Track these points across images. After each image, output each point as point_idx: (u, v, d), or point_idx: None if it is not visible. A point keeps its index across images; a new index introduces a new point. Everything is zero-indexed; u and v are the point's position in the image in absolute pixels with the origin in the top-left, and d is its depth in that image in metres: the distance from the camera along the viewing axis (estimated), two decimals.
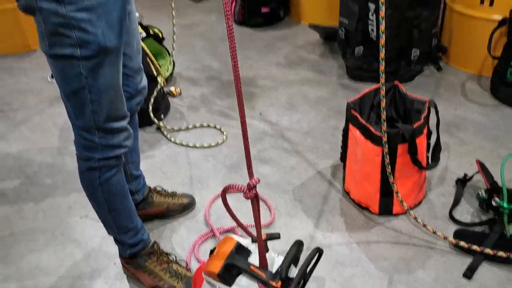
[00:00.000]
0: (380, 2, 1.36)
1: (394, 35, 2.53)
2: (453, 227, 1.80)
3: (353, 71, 2.79)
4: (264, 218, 1.89)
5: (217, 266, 1.19)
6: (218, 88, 2.87)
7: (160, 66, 2.75)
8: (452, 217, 1.83)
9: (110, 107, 1.29)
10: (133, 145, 1.62)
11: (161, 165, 2.28)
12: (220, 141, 2.38)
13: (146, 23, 2.86)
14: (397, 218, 1.87)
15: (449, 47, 2.81)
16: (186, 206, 1.94)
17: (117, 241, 1.60)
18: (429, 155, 1.89)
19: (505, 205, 1.68)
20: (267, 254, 1.23)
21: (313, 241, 1.80)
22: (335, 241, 1.79)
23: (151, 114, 2.45)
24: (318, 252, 1.23)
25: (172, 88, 2.80)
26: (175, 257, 1.68)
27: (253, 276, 1.19)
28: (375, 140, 1.69)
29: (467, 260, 1.67)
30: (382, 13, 1.37)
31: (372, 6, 2.51)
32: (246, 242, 1.29)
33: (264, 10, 3.49)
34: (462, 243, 1.65)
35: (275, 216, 1.92)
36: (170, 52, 2.86)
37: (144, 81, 1.55)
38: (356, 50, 2.68)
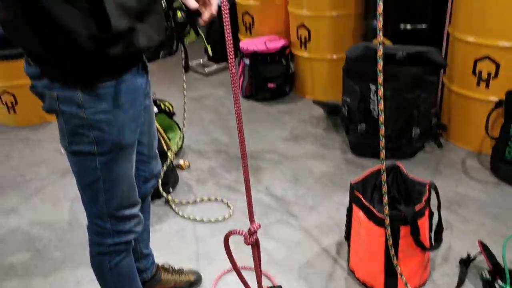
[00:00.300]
0: (378, 83, 1.47)
1: (394, 115, 2.64)
2: None
3: (356, 147, 2.89)
4: None
5: None
6: (226, 161, 2.96)
7: (170, 140, 2.87)
8: None
9: (122, 196, 1.37)
10: (145, 225, 1.69)
11: (168, 239, 2.32)
12: (227, 215, 2.43)
13: (157, 97, 3.00)
14: None
15: (449, 125, 2.91)
16: (193, 283, 1.97)
17: None
18: (432, 235, 1.92)
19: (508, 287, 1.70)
20: None
21: None
22: None
23: (161, 188, 2.52)
24: None
25: (181, 161, 2.89)
26: None
27: None
28: (378, 221, 1.74)
29: None
30: (380, 92, 1.48)
31: (373, 87, 2.64)
32: None
33: (271, 86, 3.65)
34: None
35: None
36: (180, 126, 2.98)
37: (159, 166, 1.64)
38: (358, 127, 2.79)
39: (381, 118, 1.50)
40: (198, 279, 1.99)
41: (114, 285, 1.49)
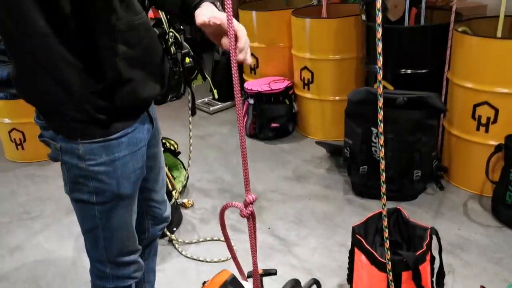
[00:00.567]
0: (378, 131, 1.52)
1: (396, 158, 2.69)
2: None
3: (359, 188, 2.92)
4: None
5: None
6: (229, 200, 2.97)
7: (174, 179, 2.91)
8: None
9: (121, 244, 1.42)
10: (151, 266, 1.73)
11: (171, 279, 2.33)
12: (230, 256, 2.44)
13: (162, 135, 3.06)
14: None
15: (450, 167, 2.95)
16: None
17: None
18: (434, 280, 1.94)
19: None
20: None
21: None
22: None
23: (165, 228, 2.54)
24: (315, 283, 1.15)
25: (185, 200, 2.93)
26: None
27: None
28: (380, 266, 1.76)
29: None
30: (381, 141, 1.53)
31: (374, 130, 2.70)
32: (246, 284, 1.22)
33: (274, 125, 3.72)
34: None
35: None
36: (185, 165, 3.03)
37: (168, 210, 1.68)
38: (360, 169, 2.83)
39: (382, 165, 1.55)
40: None
41: None
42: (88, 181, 1.28)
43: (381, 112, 1.48)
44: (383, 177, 1.55)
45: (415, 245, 1.91)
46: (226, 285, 1.16)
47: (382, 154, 1.55)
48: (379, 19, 1.41)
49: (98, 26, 1.15)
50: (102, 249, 1.40)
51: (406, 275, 1.75)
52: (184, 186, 3.06)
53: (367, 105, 2.64)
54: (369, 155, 2.79)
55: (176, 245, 2.54)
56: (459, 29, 2.77)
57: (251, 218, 1.13)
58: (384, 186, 1.58)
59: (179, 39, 2.06)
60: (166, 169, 2.76)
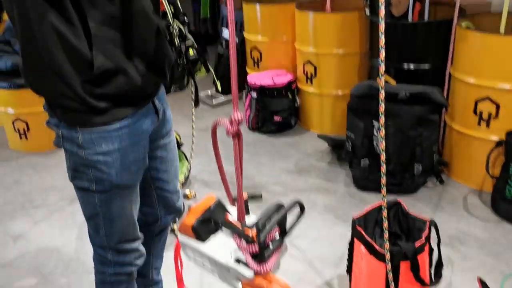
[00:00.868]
0: (380, 124, 1.54)
1: (397, 152, 2.71)
2: None
3: (360, 181, 2.94)
4: None
5: (192, 219, 1.12)
6: (231, 191, 3.00)
7: None
8: None
9: (122, 232, 1.44)
10: (160, 253, 1.77)
11: (172, 267, 2.34)
12: None
13: None
14: None
15: (451, 162, 2.97)
16: None
17: None
18: (432, 271, 1.96)
19: None
20: (247, 217, 1.14)
21: None
22: None
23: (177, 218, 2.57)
24: (299, 205, 1.12)
25: (187, 191, 2.95)
26: None
27: (227, 227, 1.10)
28: (379, 256, 1.78)
29: None
30: (382, 133, 1.55)
31: (376, 124, 2.72)
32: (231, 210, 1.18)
33: (277, 118, 3.74)
34: None
35: None
36: (187, 157, 3.05)
37: (181, 201, 1.71)
38: (362, 162, 2.85)
39: (382, 157, 1.57)
40: None
41: None
42: (87, 170, 1.31)
43: (382, 105, 1.50)
44: (383, 168, 1.58)
45: (414, 237, 1.93)
46: (211, 210, 1.15)
47: (383, 146, 1.56)
48: (382, 12, 1.42)
49: (91, 13, 1.15)
50: (103, 235, 1.43)
51: (404, 266, 1.78)
52: (187, 178, 3.08)
53: (369, 99, 2.65)
54: (371, 149, 2.81)
55: (178, 235, 2.57)
56: (463, 25, 2.78)
57: (236, 137, 1.08)
58: (384, 177, 1.60)
59: (183, 31, 2.08)
60: None
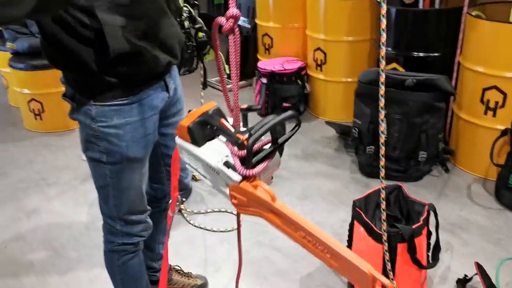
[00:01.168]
0: (380, 107, 1.58)
1: (403, 138, 2.74)
2: None
3: (365, 167, 2.97)
4: None
5: (189, 121, 1.11)
6: None
7: None
8: None
9: (130, 204, 1.51)
10: (165, 228, 1.83)
11: (179, 246, 2.43)
12: (236, 226, 2.53)
13: None
14: None
15: (456, 150, 2.99)
16: (200, 287, 2.08)
17: None
18: (430, 254, 2.00)
19: None
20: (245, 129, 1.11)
21: None
22: None
23: (184, 194, 2.65)
24: (294, 117, 1.11)
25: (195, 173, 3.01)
26: None
27: (221, 131, 1.10)
28: (376, 237, 1.82)
29: None
30: (381, 115, 1.59)
31: (382, 111, 2.73)
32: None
33: (286, 105, 3.77)
34: None
35: None
36: None
37: (189, 178, 1.78)
38: (367, 149, 2.88)
39: (382, 139, 1.61)
40: (205, 284, 2.10)
41: (122, 282, 1.64)
42: (99, 141, 1.38)
43: (382, 87, 1.53)
44: (382, 150, 1.61)
45: (413, 220, 1.97)
46: (209, 114, 1.14)
47: (382, 129, 1.60)
48: None
49: (97, 4, 1.20)
50: (113, 206, 1.49)
51: (401, 247, 1.82)
52: None
53: (377, 85, 2.66)
54: (377, 136, 2.83)
55: (185, 215, 2.64)
56: (473, 13, 2.77)
57: (233, 33, 1.04)
58: (383, 159, 1.63)
59: (193, 14, 2.12)
60: None
